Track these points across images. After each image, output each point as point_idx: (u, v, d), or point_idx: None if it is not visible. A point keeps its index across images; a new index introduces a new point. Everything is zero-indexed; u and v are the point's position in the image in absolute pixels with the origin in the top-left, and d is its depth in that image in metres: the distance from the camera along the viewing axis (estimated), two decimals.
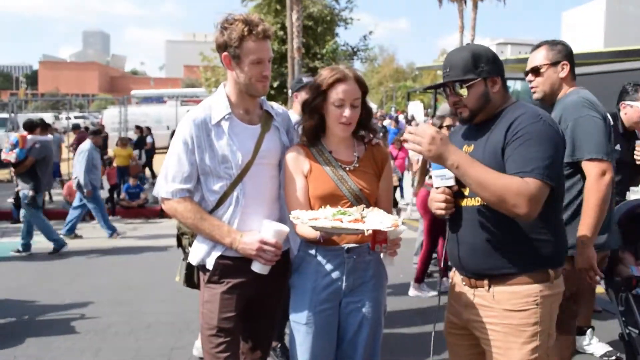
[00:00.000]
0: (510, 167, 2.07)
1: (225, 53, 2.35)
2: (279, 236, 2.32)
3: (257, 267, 2.35)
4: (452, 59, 2.26)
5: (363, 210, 2.23)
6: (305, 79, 4.17)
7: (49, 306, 5.50)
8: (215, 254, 2.41)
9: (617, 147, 3.77)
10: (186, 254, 2.64)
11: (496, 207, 2.06)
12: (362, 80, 2.42)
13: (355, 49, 20.12)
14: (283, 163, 2.50)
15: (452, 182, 2.18)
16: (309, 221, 2.13)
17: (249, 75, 2.36)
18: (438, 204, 2.20)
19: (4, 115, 18.69)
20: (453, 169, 2.07)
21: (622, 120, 3.83)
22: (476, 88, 2.21)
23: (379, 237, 2.24)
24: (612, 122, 3.77)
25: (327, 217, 2.15)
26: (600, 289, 3.88)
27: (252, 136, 2.44)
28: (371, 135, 2.53)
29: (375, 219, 2.15)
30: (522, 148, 2.06)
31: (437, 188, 2.21)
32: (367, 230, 2.07)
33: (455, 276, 2.41)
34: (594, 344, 4.18)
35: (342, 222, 2.10)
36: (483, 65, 2.20)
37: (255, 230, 2.35)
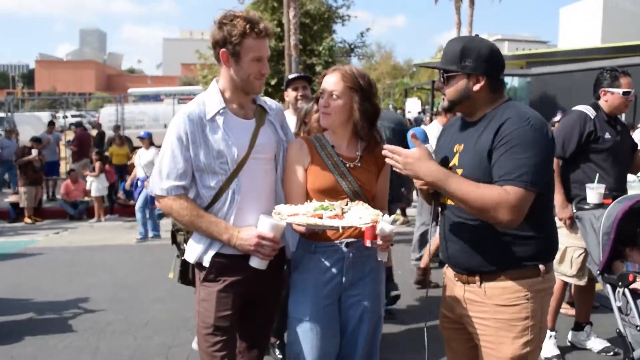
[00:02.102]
0: (496, 173, 2.07)
1: (223, 49, 2.33)
2: (276, 230, 2.30)
3: (255, 263, 2.33)
4: (447, 47, 2.27)
5: (346, 204, 2.26)
6: (290, 76, 4.22)
7: (46, 305, 5.49)
8: (212, 251, 2.40)
9: (607, 135, 3.78)
10: (181, 251, 2.63)
11: (479, 216, 2.08)
12: (349, 76, 2.44)
13: (352, 46, 20.11)
14: (278, 157, 2.51)
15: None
16: (287, 217, 2.17)
17: (248, 73, 2.35)
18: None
19: (1, 114, 18.64)
20: (431, 185, 2.11)
21: (603, 108, 3.85)
22: (455, 81, 2.21)
23: (369, 233, 2.28)
24: (595, 114, 3.80)
25: (308, 213, 2.19)
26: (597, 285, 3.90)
27: (247, 131, 2.43)
28: (374, 135, 2.54)
29: (355, 215, 2.18)
30: (507, 154, 2.04)
31: None
32: (342, 227, 2.12)
33: (448, 272, 2.42)
34: (592, 340, 4.20)
35: (321, 217, 2.14)
36: (469, 61, 2.18)
37: (252, 226, 2.34)
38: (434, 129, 6.27)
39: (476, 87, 2.19)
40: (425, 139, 2.28)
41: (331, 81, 2.43)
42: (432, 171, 2.09)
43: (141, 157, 9.30)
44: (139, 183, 9.24)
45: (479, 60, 2.18)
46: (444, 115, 6.17)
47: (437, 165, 2.12)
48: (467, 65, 2.18)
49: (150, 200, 8.70)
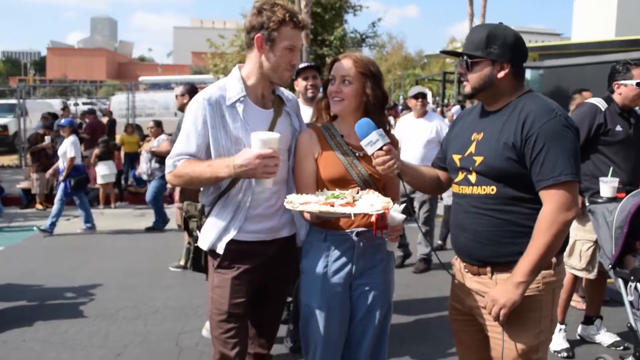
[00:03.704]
0: (536, 173, 2.08)
1: (259, 34, 2.34)
2: (271, 144, 2.22)
3: (261, 184, 2.28)
4: (471, 33, 2.26)
5: (357, 192, 2.28)
6: (300, 66, 4.17)
7: (57, 290, 5.55)
8: (227, 238, 2.41)
9: (618, 127, 3.76)
10: (193, 237, 2.65)
11: (560, 238, 2.11)
12: (360, 62, 2.44)
13: (363, 36, 20.01)
14: (292, 148, 2.52)
15: (381, 143, 2.19)
16: (299, 205, 2.17)
17: (279, 62, 2.36)
18: (382, 167, 2.20)
19: (13, 101, 18.75)
20: (530, 279, 2.10)
21: (616, 100, 3.83)
22: (480, 67, 2.20)
23: (379, 223, 2.29)
24: (606, 106, 3.78)
25: (319, 201, 2.19)
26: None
27: (265, 120, 2.44)
28: (384, 123, 2.53)
29: (366, 203, 2.19)
30: (544, 152, 2.06)
31: (372, 155, 2.22)
32: (354, 214, 2.13)
33: (458, 263, 2.42)
34: (602, 334, 4.18)
35: (333, 205, 2.15)
36: (495, 47, 2.16)
37: (245, 149, 2.28)
38: (406, 122, 6.21)
39: (500, 74, 2.19)
40: (370, 128, 2.25)
41: (343, 66, 2.43)
42: (514, 284, 2.10)
43: (61, 147, 8.60)
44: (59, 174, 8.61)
45: (505, 47, 2.17)
46: (417, 101, 6.01)
47: (505, 281, 2.13)
48: (492, 51, 2.17)
49: (65, 194, 8.33)
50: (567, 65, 19.00)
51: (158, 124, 9.05)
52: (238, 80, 2.42)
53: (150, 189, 8.58)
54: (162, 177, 7.95)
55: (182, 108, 6.07)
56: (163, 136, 8.83)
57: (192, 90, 5.92)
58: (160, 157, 8.05)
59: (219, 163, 2.29)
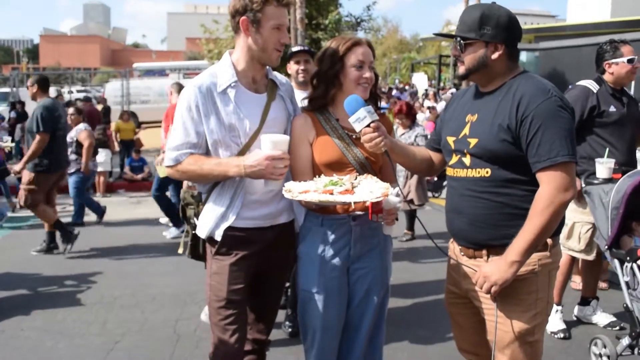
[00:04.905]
0: (533, 154, 2.07)
1: (243, 17, 2.30)
2: (281, 146, 2.24)
3: (270, 185, 2.29)
4: (464, 14, 2.24)
5: (356, 179, 2.27)
6: (293, 49, 4.11)
7: (54, 279, 5.54)
8: (224, 225, 2.40)
9: (612, 108, 3.75)
10: (191, 225, 2.64)
11: (556, 219, 2.09)
12: (372, 46, 2.49)
13: (359, 20, 19.85)
14: (287, 132, 2.49)
15: (369, 120, 2.18)
16: (299, 195, 2.16)
17: (268, 42, 2.33)
18: (369, 144, 2.19)
19: (6, 89, 18.62)
20: (524, 259, 2.09)
21: (607, 81, 3.81)
22: (473, 48, 2.18)
23: (375, 207, 2.29)
24: (598, 87, 3.77)
25: (318, 189, 2.18)
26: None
27: (259, 105, 2.41)
28: (376, 104, 2.55)
29: (365, 190, 2.17)
30: (540, 133, 2.04)
31: (360, 132, 2.22)
32: (354, 202, 2.12)
33: (453, 246, 2.41)
34: (598, 314, 4.21)
35: (332, 193, 2.14)
36: (488, 29, 2.14)
37: (255, 150, 2.30)
38: None
39: (494, 56, 2.17)
40: (358, 105, 2.24)
41: (369, 53, 2.44)
42: (507, 263, 2.09)
43: None
44: None
45: (498, 28, 2.14)
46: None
47: (499, 259, 2.13)
48: (486, 32, 2.15)
49: None
50: (563, 47, 18.93)
51: (79, 111, 8.39)
52: (228, 66, 2.39)
53: (71, 185, 7.88)
54: (79, 169, 7.70)
55: (34, 97, 6.47)
56: (81, 125, 8.10)
57: (43, 80, 6.52)
58: (78, 149, 7.74)
59: (229, 162, 2.29)
